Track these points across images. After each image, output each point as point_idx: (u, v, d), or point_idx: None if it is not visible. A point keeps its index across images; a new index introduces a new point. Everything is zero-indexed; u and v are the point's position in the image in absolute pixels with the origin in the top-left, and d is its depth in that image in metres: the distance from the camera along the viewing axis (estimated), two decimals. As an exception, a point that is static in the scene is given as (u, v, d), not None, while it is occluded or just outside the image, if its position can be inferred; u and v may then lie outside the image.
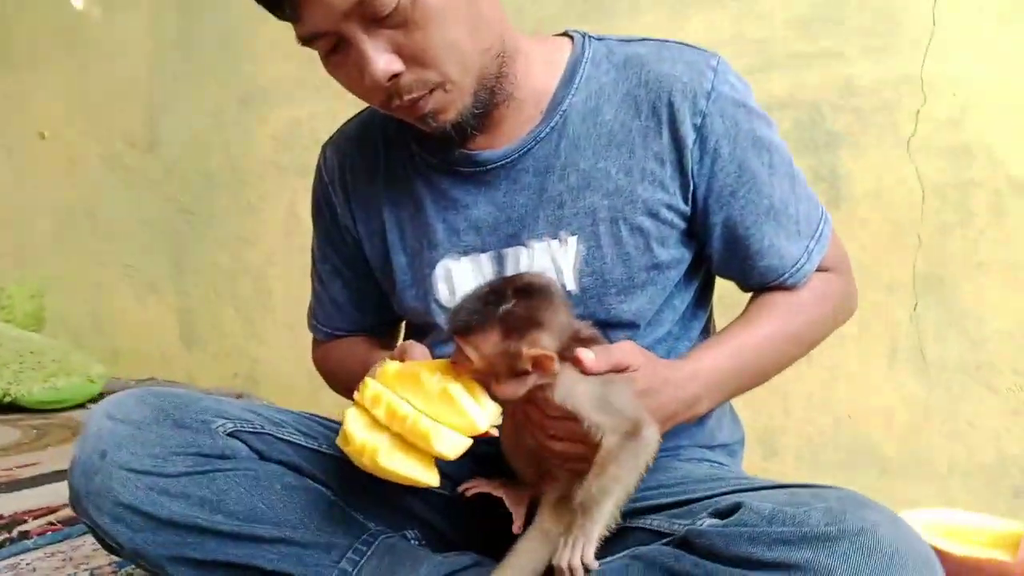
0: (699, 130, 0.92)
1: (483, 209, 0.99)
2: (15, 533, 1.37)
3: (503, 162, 0.97)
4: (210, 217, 2.74)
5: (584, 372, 0.78)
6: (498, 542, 0.99)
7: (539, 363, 0.76)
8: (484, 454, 0.86)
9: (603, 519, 0.77)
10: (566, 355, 0.78)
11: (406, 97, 0.87)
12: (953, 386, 1.53)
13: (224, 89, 2.66)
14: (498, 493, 0.93)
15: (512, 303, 0.77)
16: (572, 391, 0.79)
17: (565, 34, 1.02)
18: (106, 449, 0.89)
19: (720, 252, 0.97)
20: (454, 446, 0.77)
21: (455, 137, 0.93)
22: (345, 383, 1.11)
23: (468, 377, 0.80)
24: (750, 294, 1.03)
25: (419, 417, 0.77)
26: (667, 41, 0.98)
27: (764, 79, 1.59)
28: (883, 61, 1.55)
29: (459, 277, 1.00)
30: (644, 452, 0.77)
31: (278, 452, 0.97)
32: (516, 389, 0.78)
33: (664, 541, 0.80)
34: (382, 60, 0.84)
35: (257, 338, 2.64)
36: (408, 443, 0.79)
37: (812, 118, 1.60)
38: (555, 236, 0.95)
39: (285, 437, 0.99)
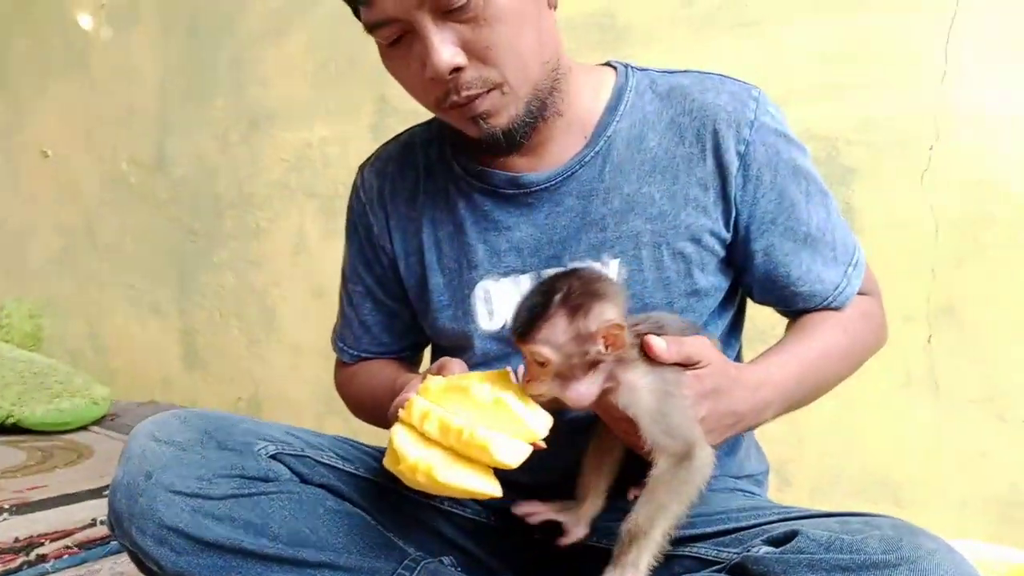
0: (743, 157, 0.94)
1: (525, 231, 1.00)
2: (33, 556, 1.36)
3: (546, 185, 0.99)
4: (216, 238, 2.74)
5: (654, 359, 0.78)
6: (533, 566, 0.99)
7: (611, 338, 0.76)
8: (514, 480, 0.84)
9: (652, 548, 0.76)
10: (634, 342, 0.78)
11: (463, 93, 0.88)
12: (967, 417, 1.55)
13: (232, 111, 2.67)
14: (559, 517, 0.91)
15: (566, 287, 0.77)
16: (634, 398, 0.78)
17: (608, 64, 1.04)
18: (151, 470, 0.89)
19: (760, 279, 0.99)
20: (515, 454, 0.76)
21: (504, 144, 0.93)
22: (370, 408, 1.11)
23: (518, 387, 0.79)
24: (771, 324, 1.05)
25: (475, 428, 0.76)
26: (709, 72, 1.01)
27: (779, 113, 1.62)
28: (898, 96, 1.58)
29: (498, 298, 1.01)
30: (697, 476, 0.76)
31: (319, 475, 0.97)
32: (590, 388, 0.77)
33: (714, 569, 0.81)
34: (447, 52, 0.85)
35: (261, 360, 2.62)
36: (463, 456, 0.77)
37: (828, 152, 1.63)
38: (597, 259, 0.97)
39: (325, 460, 0.99)
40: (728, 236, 0.97)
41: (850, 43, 1.62)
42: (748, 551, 0.77)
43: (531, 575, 1.01)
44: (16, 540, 1.43)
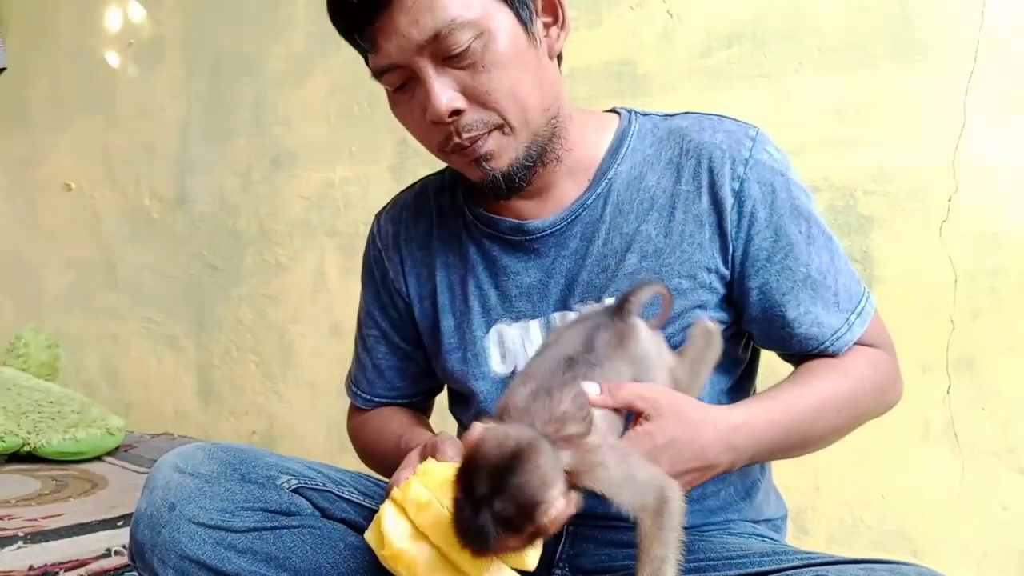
0: (737, 194, 0.95)
1: (533, 276, 1.02)
2: (47, 585, 1.36)
3: (551, 231, 1.01)
4: (235, 274, 2.76)
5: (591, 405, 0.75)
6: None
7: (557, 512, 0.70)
8: None
9: None
10: (562, 441, 0.73)
11: (465, 135, 0.91)
12: (986, 468, 1.54)
13: (255, 150, 2.71)
14: None
15: (496, 501, 0.68)
16: (594, 477, 0.74)
17: (613, 110, 1.07)
18: (175, 502, 0.90)
19: (758, 319, 0.98)
20: None
21: (504, 188, 0.96)
22: (380, 460, 1.13)
23: None
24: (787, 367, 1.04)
25: None
26: (708, 113, 1.03)
27: (797, 162, 1.58)
28: (915, 148, 1.60)
29: (510, 342, 1.02)
30: (677, 516, 0.74)
31: (340, 510, 0.98)
32: (560, 515, 0.71)
33: (738, 613, 0.80)
34: (446, 95, 0.89)
35: (277, 396, 2.63)
36: (449, 562, 0.73)
37: (846, 202, 1.65)
38: (598, 299, 0.98)
39: (346, 496, 1.00)
40: (727, 272, 0.97)
41: (869, 94, 1.64)
42: (772, 597, 0.77)
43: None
44: (31, 568, 1.43)
